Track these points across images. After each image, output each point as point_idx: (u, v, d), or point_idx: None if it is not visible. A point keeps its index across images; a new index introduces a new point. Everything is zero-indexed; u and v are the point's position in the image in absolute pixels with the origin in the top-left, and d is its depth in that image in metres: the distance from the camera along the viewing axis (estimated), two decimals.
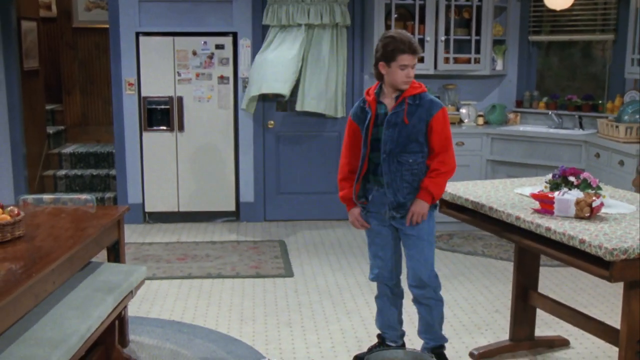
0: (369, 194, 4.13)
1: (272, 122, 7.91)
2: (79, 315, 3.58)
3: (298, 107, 7.71)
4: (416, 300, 4.20)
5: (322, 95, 7.67)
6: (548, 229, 3.55)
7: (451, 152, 4.02)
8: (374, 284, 5.85)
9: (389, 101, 4.03)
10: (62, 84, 9.89)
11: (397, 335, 4.40)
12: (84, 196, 4.60)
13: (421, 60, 7.48)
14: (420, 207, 3.98)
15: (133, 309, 5.22)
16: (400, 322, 4.41)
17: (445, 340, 4.29)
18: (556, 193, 3.79)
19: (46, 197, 4.65)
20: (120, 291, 4.03)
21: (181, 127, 7.75)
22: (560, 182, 3.98)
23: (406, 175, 3.97)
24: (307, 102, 7.66)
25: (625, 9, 7.02)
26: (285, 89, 7.36)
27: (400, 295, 4.36)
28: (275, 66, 7.35)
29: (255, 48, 7.71)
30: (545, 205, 3.76)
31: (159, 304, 5.46)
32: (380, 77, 4.05)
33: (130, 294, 4.21)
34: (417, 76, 7.45)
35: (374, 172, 4.07)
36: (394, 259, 4.22)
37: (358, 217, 4.19)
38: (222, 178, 7.93)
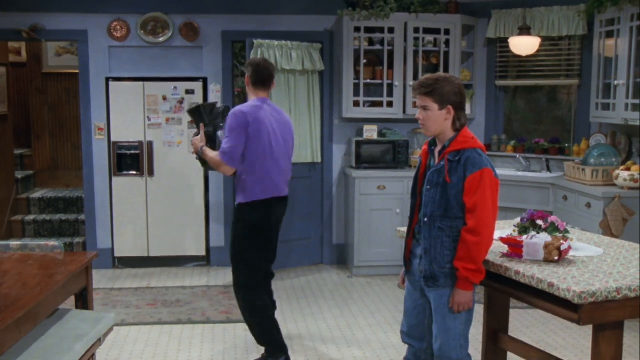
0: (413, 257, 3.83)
1: None
2: None
3: None
4: None
5: (307, 143, 7.75)
6: (517, 273, 3.57)
7: (484, 219, 3.57)
8: (346, 330, 5.88)
9: (437, 154, 3.68)
10: (32, 129, 9.84)
11: None
12: (51, 242, 4.56)
13: (390, 104, 7.58)
14: (463, 297, 3.61)
15: (102, 356, 5.15)
16: None
17: None
18: (524, 237, 3.82)
19: (13, 243, 4.60)
20: (88, 339, 3.97)
21: (151, 172, 7.73)
22: (529, 225, 4.02)
23: (447, 242, 3.61)
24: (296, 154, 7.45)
25: (588, 54, 7.19)
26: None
27: None
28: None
29: (226, 93, 7.74)
30: (514, 249, 3.79)
31: (128, 351, 5.38)
32: None
33: (99, 341, 4.16)
34: (386, 120, 7.70)
35: (419, 230, 3.74)
36: (421, 321, 3.91)
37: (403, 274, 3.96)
38: (192, 222, 7.89)
